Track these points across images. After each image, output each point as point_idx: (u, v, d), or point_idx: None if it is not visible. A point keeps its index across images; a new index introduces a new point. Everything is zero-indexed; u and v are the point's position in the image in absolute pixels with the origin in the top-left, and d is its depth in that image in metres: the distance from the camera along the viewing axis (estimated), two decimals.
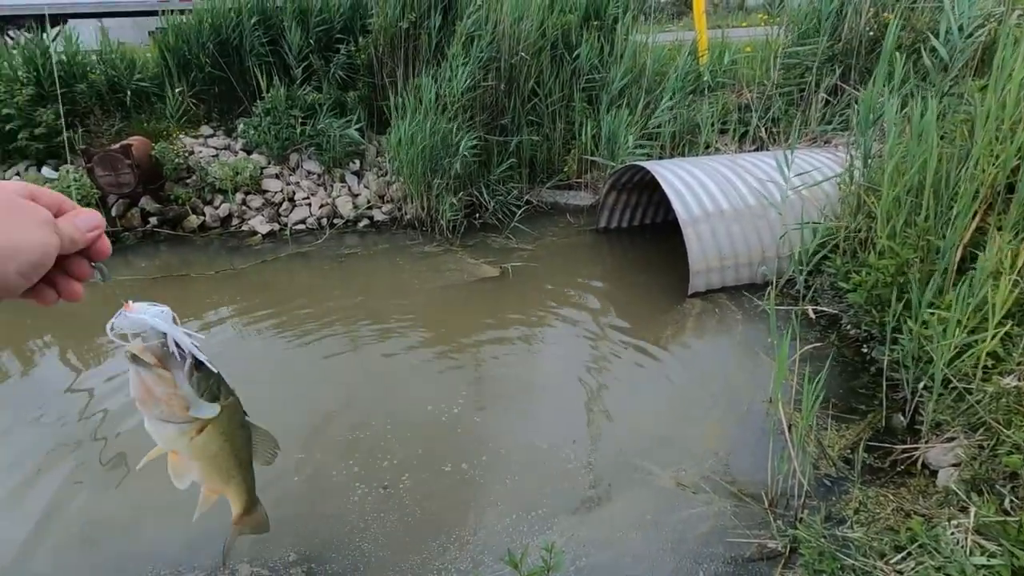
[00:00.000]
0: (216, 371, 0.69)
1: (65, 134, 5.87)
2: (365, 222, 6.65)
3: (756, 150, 6.62)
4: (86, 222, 0.62)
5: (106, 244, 0.64)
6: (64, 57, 6.53)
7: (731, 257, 4.70)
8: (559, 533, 2.64)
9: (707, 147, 6.61)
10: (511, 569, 1.80)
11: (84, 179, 6.08)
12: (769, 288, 3.50)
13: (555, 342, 4.39)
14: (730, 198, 4.79)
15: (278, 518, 2.74)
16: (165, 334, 0.64)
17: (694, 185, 4.82)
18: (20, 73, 6.34)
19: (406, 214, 6.56)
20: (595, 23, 6.98)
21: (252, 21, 6.62)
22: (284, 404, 3.58)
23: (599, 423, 3.41)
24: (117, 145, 6.03)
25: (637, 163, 5.40)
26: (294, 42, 6.63)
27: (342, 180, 6.85)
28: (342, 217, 6.63)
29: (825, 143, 6.09)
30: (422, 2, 6.45)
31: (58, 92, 5.65)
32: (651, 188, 5.96)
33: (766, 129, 6.73)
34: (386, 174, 6.84)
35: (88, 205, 6.05)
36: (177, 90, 6.77)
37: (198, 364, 0.68)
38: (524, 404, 3.63)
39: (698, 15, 7.42)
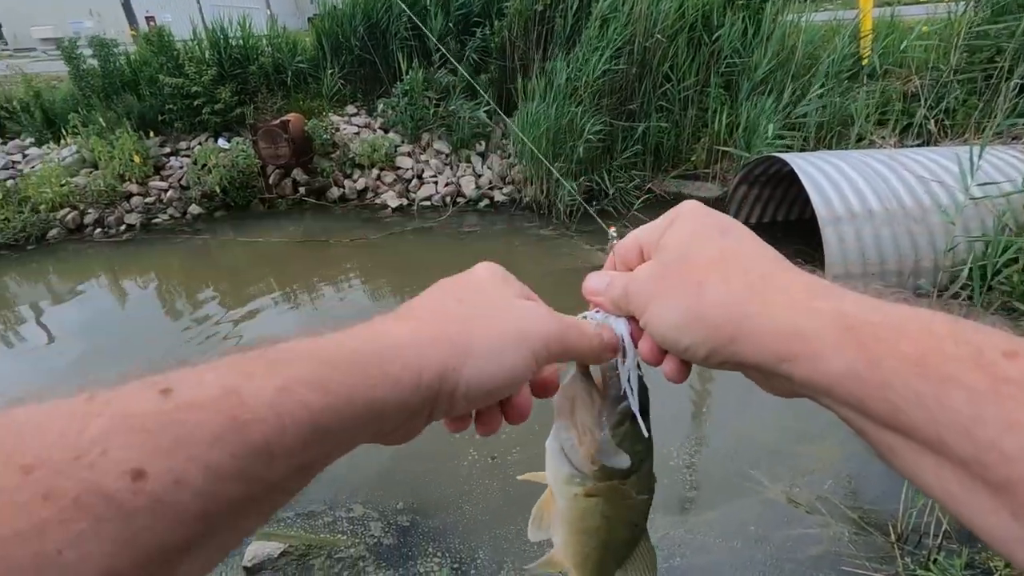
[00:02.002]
0: (648, 437, 0.51)
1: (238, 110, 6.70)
2: (485, 202, 6.87)
3: (921, 145, 5.84)
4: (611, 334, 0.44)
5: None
6: (240, 41, 7.42)
7: (876, 263, 4.22)
8: (653, 529, 2.59)
9: (860, 140, 5.95)
10: None
11: (249, 150, 6.90)
12: (929, 302, 3.11)
13: None
14: (882, 197, 4.28)
15: (395, 468, 2.99)
16: (620, 360, 0.47)
17: (839, 180, 4.37)
18: (207, 55, 7.30)
19: (525, 196, 6.67)
20: (740, 3, 6.51)
21: (400, 6, 7.03)
22: None
23: (706, 426, 3.28)
24: (277, 121, 6.76)
25: (774, 154, 5.01)
26: (436, 27, 6.95)
27: (467, 161, 7.11)
28: (465, 196, 6.89)
29: (1013, 140, 5.22)
30: None
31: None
32: (787, 182, 5.50)
33: (936, 121, 5.90)
34: (509, 156, 6.99)
35: (250, 174, 6.89)
36: (330, 71, 7.41)
37: (632, 417, 0.51)
38: None
39: None
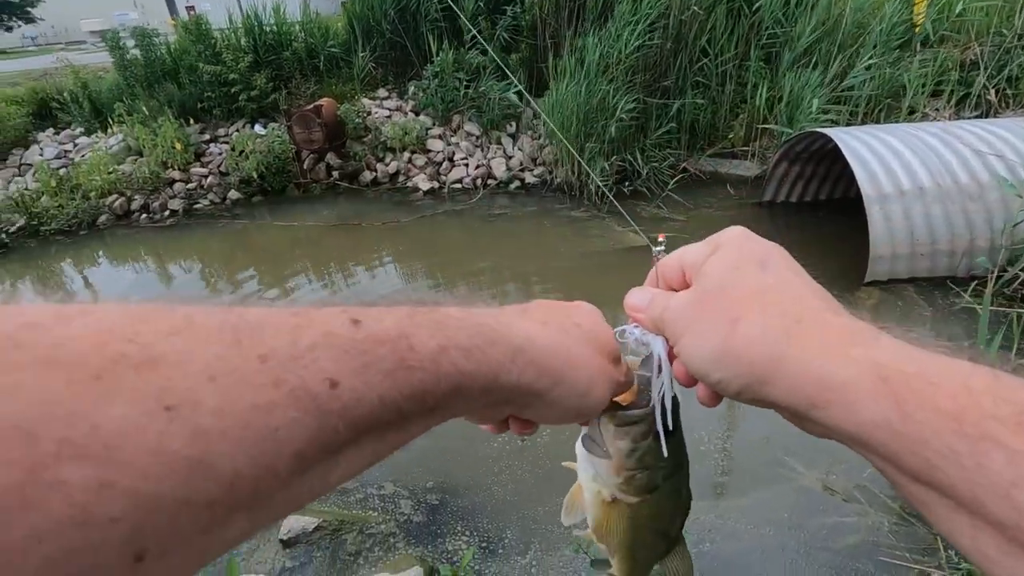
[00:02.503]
0: (666, 457, 0.50)
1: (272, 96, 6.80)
2: (516, 184, 6.82)
3: (979, 117, 5.48)
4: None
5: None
6: (274, 27, 7.51)
7: (927, 243, 4.01)
8: None
9: (912, 113, 5.63)
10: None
11: (284, 135, 7.02)
12: (979, 283, 2.95)
13: None
14: (934, 173, 4.05)
15: (427, 446, 3.04)
16: (654, 373, 0.46)
17: (886, 156, 4.15)
18: (243, 42, 7.42)
19: (556, 177, 6.59)
20: None
21: None
22: None
23: (738, 411, 3.20)
24: (310, 106, 6.84)
25: (817, 130, 4.79)
26: (468, 6, 6.86)
27: (498, 142, 7.06)
28: (495, 178, 6.86)
29: None
30: None
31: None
32: (830, 159, 5.26)
33: (996, 91, 5.52)
34: (540, 137, 6.90)
35: (285, 159, 7.01)
36: (361, 55, 7.43)
37: (655, 433, 0.50)
38: None
39: None
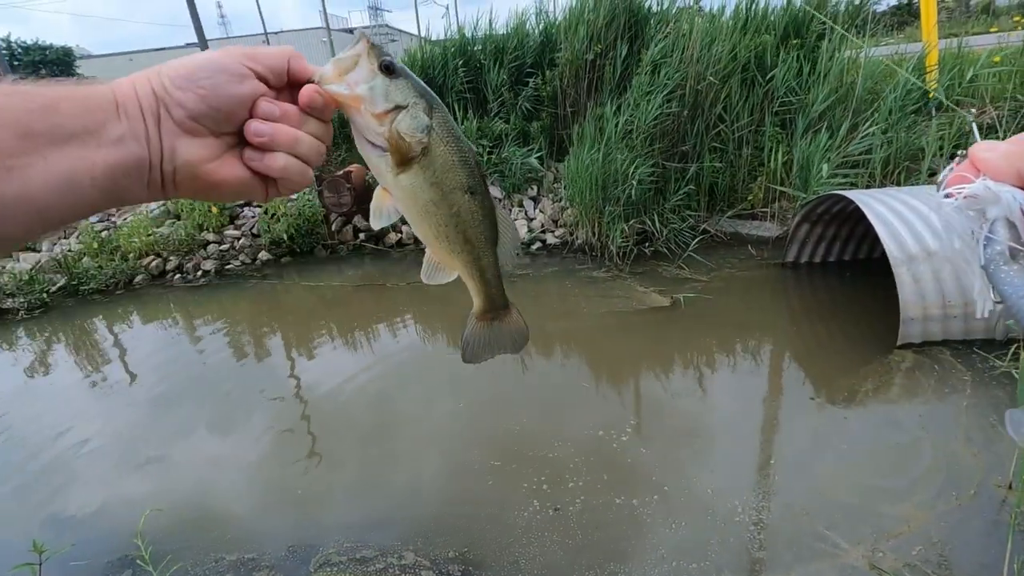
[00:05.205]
0: (421, 86, 0.56)
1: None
2: (538, 245, 6.93)
3: None
4: (283, 50, 0.55)
5: (312, 94, 0.55)
6: None
7: (959, 305, 3.92)
8: None
9: (932, 175, 5.65)
10: None
11: (314, 199, 7.31)
12: (1019, 346, 2.86)
13: (728, 382, 4.08)
14: (962, 234, 4.01)
15: (449, 513, 2.96)
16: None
17: (910, 218, 4.14)
18: None
19: (577, 239, 6.69)
20: (795, 42, 6.46)
21: (456, 62, 7.41)
22: (474, 414, 3.86)
23: (775, 479, 3.07)
24: (340, 172, 7.15)
25: (837, 192, 4.83)
26: (492, 80, 7.24)
27: (520, 205, 7.24)
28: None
29: None
30: (609, 33, 6.61)
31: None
32: (853, 220, 5.27)
33: None
34: (561, 200, 7.07)
35: (315, 222, 7.26)
36: None
37: (388, 67, 0.55)
38: (691, 444, 3.42)
39: (927, 23, 6.43)
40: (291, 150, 0.55)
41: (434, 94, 0.58)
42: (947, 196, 0.44)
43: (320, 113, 0.57)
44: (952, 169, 0.45)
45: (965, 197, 0.43)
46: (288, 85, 0.56)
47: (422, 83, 0.57)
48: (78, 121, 0.46)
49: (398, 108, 0.55)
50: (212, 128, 0.53)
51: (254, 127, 0.53)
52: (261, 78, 0.54)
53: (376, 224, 0.63)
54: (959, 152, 0.47)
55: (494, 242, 0.66)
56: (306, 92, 0.55)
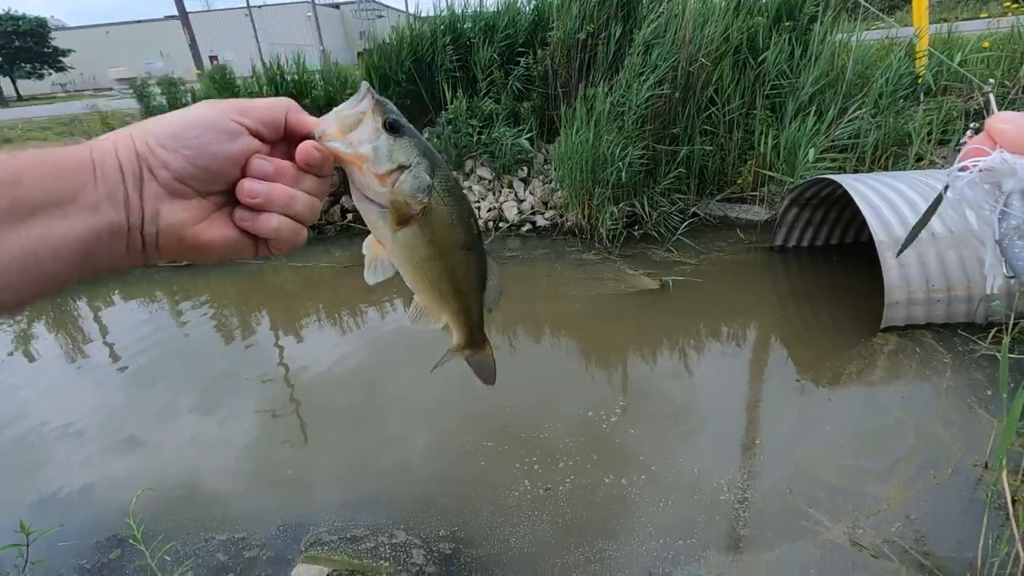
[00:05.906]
0: (424, 145, 0.56)
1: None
2: (528, 227, 6.91)
3: None
4: (282, 102, 0.53)
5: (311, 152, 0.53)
6: (295, 76, 7.81)
7: (943, 289, 3.99)
8: (707, 568, 2.48)
9: (919, 160, 5.71)
10: None
11: None
12: (999, 329, 2.92)
13: (715, 364, 4.13)
14: (946, 219, 4.07)
15: (439, 493, 2.98)
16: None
17: (896, 201, 4.19)
18: (265, 90, 7.71)
19: (567, 221, 6.67)
20: (787, 24, 6.43)
21: (445, 40, 7.27)
22: (465, 397, 3.87)
23: (760, 459, 3.13)
24: None
25: (826, 176, 4.85)
26: (482, 58, 7.12)
27: (510, 186, 7.20)
28: (507, 221, 6.96)
29: None
30: (602, 12, 6.52)
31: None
32: (841, 204, 5.31)
33: None
34: (551, 181, 7.03)
35: None
36: None
37: (393, 125, 0.55)
38: (678, 425, 3.47)
39: (919, 8, 6.43)
40: (286, 211, 0.52)
41: (436, 152, 0.58)
42: (962, 170, 0.42)
43: (318, 170, 0.54)
44: (965, 143, 0.44)
45: (981, 170, 0.41)
46: (284, 139, 0.54)
47: (425, 141, 0.57)
48: (44, 192, 0.42)
49: (401, 168, 0.55)
50: (199, 189, 0.50)
51: (247, 187, 0.50)
52: (254, 133, 0.51)
53: (371, 279, 0.63)
54: (971, 125, 0.46)
55: (483, 289, 0.68)
56: (305, 149, 0.53)
